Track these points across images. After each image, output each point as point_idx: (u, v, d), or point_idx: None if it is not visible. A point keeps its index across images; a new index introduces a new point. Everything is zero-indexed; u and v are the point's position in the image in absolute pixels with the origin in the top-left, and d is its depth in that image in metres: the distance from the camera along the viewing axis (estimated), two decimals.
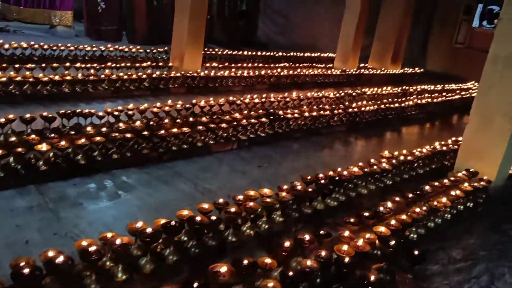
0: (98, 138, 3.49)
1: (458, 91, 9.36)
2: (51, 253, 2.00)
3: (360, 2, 9.64)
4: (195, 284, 1.99)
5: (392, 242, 2.50)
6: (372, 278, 2.27)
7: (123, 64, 6.43)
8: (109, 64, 6.21)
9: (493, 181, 3.90)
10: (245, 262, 2.14)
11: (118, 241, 2.14)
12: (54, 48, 6.78)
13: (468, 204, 3.58)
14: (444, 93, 8.71)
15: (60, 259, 1.95)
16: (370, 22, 10.68)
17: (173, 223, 2.38)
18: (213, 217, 2.53)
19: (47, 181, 3.15)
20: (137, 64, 6.63)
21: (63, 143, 3.30)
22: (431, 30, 13.96)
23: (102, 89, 5.52)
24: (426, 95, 8.25)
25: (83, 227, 2.68)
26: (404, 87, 8.45)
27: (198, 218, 2.45)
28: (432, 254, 2.91)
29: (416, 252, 2.51)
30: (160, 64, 7.09)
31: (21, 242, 2.46)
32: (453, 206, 3.37)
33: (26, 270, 1.87)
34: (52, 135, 3.53)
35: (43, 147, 3.17)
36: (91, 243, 2.13)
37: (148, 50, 7.96)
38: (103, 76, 5.62)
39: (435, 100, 7.77)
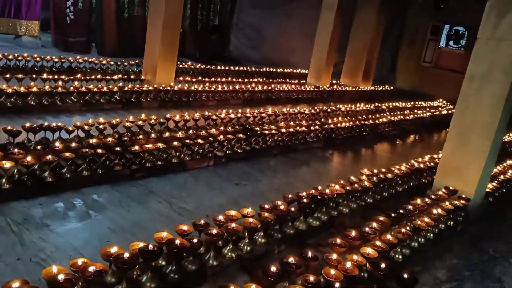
0: (67, 154, 3.27)
1: (428, 109, 9.54)
2: (15, 284, 1.79)
3: (333, 19, 9.73)
4: None
5: (382, 265, 2.40)
6: None
7: (93, 77, 6.19)
8: (78, 76, 5.96)
9: (471, 198, 3.90)
10: None
11: (90, 268, 1.96)
12: (20, 58, 6.47)
13: (448, 223, 3.54)
14: (414, 111, 8.84)
15: None
16: (342, 39, 10.82)
17: (151, 247, 2.20)
18: (194, 240, 2.37)
19: (10, 200, 2.91)
20: (108, 77, 6.40)
21: (28, 159, 3.07)
22: (400, 49, 14.30)
23: (71, 102, 5.27)
24: (398, 112, 8.34)
25: (50, 252, 2.46)
26: (376, 104, 8.52)
27: (177, 241, 2.28)
28: (418, 275, 2.83)
29: (406, 276, 2.42)
30: (132, 77, 6.87)
31: None
32: (435, 225, 3.32)
33: None
34: (16, 150, 3.27)
35: (6, 163, 2.93)
36: (60, 271, 1.93)
37: (119, 63, 7.73)
38: (71, 88, 5.37)
39: (407, 117, 7.86)
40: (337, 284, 2.14)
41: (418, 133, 7.95)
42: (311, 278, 2.20)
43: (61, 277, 1.84)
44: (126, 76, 6.76)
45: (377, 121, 6.93)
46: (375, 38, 11.46)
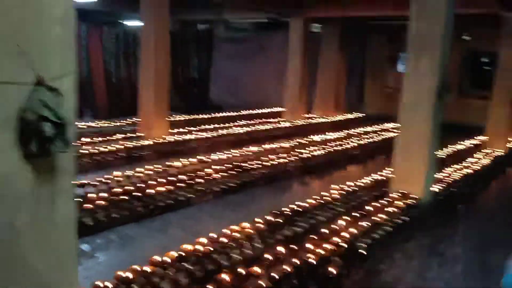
0: (102, 203, 4.23)
1: (393, 130, 10.68)
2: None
3: (299, 64, 11.02)
4: None
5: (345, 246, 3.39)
6: (334, 272, 3.12)
7: (96, 140, 7.20)
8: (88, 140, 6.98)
9: (422, 197, 4.90)
10: None
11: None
12: None
13: (402, 219, 4.53)
14: (381, 132, 10.00)
15: None
16: (310, 69, 12.00)
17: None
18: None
19: None
20: (110, 137, 7.42)
21: None
22: (366, 79, 15.67)
23: (85, 163, 6.24)
24: (367, 136, 9.46)
25: (104, 275, 3.34)
26: (347, 131, 9.66)
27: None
28: (380, 257, 3.80)
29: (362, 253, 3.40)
30: (131, 135, 7.88)
31: None
32: (391, 220, 4.31)
33: None
34: None
35: None
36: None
37: (118, 124, 8.77)
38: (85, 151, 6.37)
39: (375, 139, 8.96)
40: (313, 262, 3.11)
41: (386, 152, 9.00)
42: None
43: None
44: (125, 135, 7.77)
45: (348, 146, 8.01)
46: (340, 73, 12.76)
